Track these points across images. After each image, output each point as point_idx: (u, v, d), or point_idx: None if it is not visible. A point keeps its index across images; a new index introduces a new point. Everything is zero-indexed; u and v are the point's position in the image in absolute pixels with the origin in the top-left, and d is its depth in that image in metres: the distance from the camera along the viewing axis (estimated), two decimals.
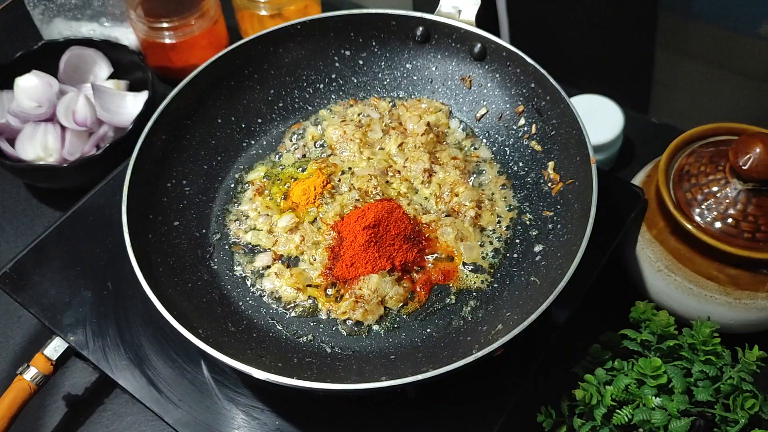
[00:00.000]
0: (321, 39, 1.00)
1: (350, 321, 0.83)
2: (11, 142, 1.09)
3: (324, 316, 0.84)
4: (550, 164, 0.92)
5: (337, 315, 0.83)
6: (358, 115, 0.99)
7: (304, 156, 0.98)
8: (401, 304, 0.84)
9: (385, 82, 1.02)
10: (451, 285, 0.86)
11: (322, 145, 0.99)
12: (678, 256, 0.87)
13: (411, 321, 0.84)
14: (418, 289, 0.85)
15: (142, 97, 1.13)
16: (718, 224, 0.84)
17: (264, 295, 0.86)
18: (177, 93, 0.92)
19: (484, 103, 0.99)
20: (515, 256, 0.88)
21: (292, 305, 0.85)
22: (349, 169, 0.95)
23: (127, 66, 1.18)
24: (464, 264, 0.87)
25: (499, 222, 0.90)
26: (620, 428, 0.76)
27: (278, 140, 1.00)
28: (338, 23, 0.99)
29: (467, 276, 0.86)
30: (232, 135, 0.98)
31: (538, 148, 0.94)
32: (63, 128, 1.09)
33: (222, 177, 0.96)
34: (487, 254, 0.88)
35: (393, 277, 0.85)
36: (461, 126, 0.99)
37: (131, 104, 1.12)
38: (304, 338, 0.83)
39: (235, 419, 0.81)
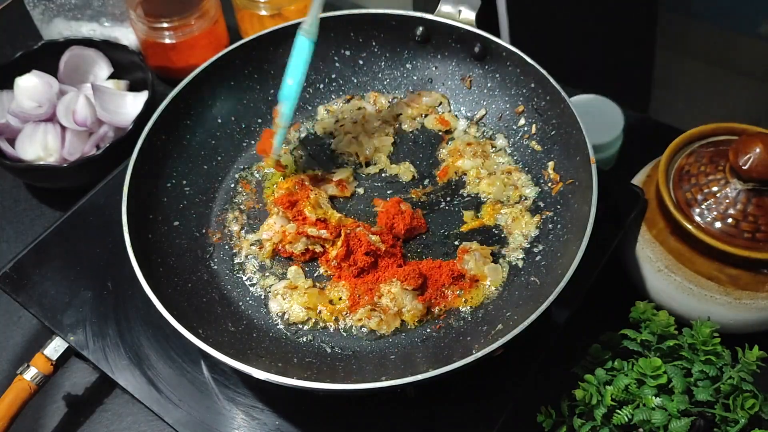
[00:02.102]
0: (321, 39, 1.00)
1: (365, 329, 0.83)
2: (11, 142, 1.09)
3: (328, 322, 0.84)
4: (550, 164, 0.92)
5: (353, 322, 0.83)
6: (357, 109, 1.00)
7: (303, 157, 0.98)
8: (418, 319, 0.83)
9: (385, 82, 1.02)
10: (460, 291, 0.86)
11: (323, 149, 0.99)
12: (678, 256, 0.87)
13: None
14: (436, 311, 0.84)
15: (142, 97, 1.13)
16: (718, 224, 0.84)
17: (263, 298, 0.86)
18: (177, 93, 0.92)
19: (484, 103, 0.99)
20: (515, 255, 0.87)
21: (302, 325, 0.84)
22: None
23: (127, 66, 1.18)
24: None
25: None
26: (620, 428, 0.76)
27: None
28: (338, 23, 0.99)
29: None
30: (232, 135, 0.98)
31: (538, 148, 0.94)
32: (63, 128, 1.09)
33: (222, 177, 0.96)
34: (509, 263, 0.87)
35: (417, 293, 0.84)
36: (466, 126, 0.99)
37: (131, 104, 1.12)
38: (304, 338, 0.83)
39: (235, 419, 0.81)
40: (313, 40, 0.89)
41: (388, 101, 1.01)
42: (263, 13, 1.21)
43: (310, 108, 1.02)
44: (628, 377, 0.77)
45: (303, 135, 1.00)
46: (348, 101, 1.02)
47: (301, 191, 0.90)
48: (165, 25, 1.17)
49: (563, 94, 0.88)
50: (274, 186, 0.94)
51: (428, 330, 0.83)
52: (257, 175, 0.96)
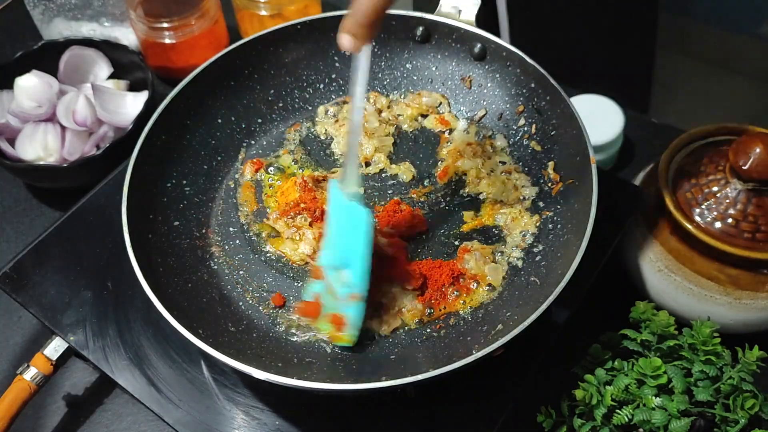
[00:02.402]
0: (321, 39, 1.00)
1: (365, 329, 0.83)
2: (11, 142, 1.09)
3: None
4: (550, 164, 0.92)
5: None
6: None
7: (302, 157, 0.98)
8: (418, 319, 0.83)
9: (385, 82, 1.02)
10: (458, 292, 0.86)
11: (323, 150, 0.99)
12: (678, 256, 0.87)
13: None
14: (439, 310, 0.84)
15: (142, 97, 1.13)
16: (718, 224, 0.84)
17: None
18: (177, 93, 0.92)
19: (484, 103, 0.99)
20: (515, 255, 0.87)
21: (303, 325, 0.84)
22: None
23: (127, 66, 1.18)
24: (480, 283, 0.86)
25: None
26: (620, 428, 0.76)
27: (278, 140, 1.00)
28: (338, 23, 0.98)
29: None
30: (232, 135, 0.98)
31: (538, 148, 0.94)
32: (63, 128, 1.09)
33: (222, 177, 0.96)
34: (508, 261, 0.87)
35: (417, 293, 0.84)
36: (466, 126, 0.99)
37: (131, 104, 1.12)
38: (305, 338, 0.83)
39: (235, 419, 0.81)
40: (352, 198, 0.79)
41: (388, 101, 1.01)
42: (263, 13, 1.21)
43: (310, 108, 1.02)
44: (628, 377, 0.77)
45: (303, 135, 1.00)
46: (348, 102, 1.01)
47: (304, 193, 0.90)
48: (165, 25, 1.17)
49: (563, 94, 0.88)
50: (277, 183, 0.94)
51: (428, 330, 0.83)
52: (257, 176, 0.96)
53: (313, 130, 1.01)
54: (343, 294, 0.79)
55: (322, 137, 1.00)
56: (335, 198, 0.81)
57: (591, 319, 0.89)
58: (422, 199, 0.93)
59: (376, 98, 1.01)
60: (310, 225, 0.88)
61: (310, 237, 0.87)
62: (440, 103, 1.00)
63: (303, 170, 0.96)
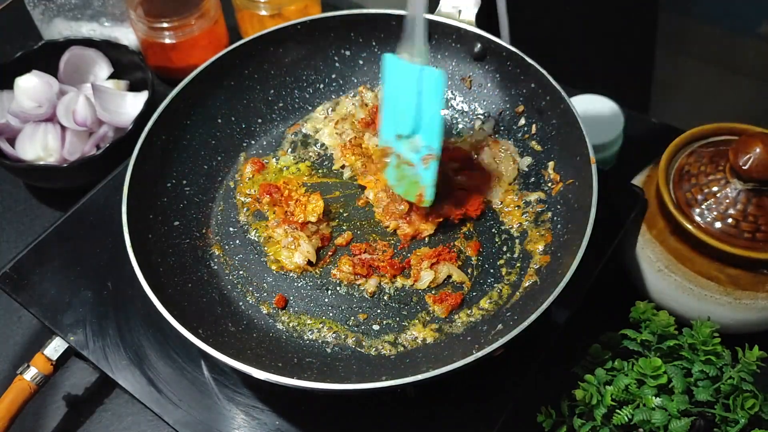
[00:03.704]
0: (321, 39, 1.00)
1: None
2: (11, 142, 1.09)
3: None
4: (550, 164, 0.92)
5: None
6: (352, 105, 1.00)
7: (303, 157, 0.98)
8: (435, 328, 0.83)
9: None
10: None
11: (323, 153, 0.99)
12: (678, 256, 0.87)
13: None
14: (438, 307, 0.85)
15: (142, 97, 1.13)
16: (718, 224, 0.84)
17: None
18: (177, 93, 0.92)
19: (484, 103, 0.99)
20: (515, 255, 0.87)
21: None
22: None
23: (127, 66, 1.18)
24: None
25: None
26: (620, 428, 0.76)
27: (278, 140, 1.00)
28: (338, 23, 0.99)
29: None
30: (232, 135, 0.98)
31: (538, 148, 0.94)
32: (63, 128, 1.09)
33: (222, 177, 0.96)
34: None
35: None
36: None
37: (131, 104, 1.12)
38: (305, 338, 0.83)
39: (235, 419, 0.81)
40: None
41: (375, 93, 1.01)
42: (263, 13, 1.21)
43: (310, 108, 1.02)
44: (628, 377, 0.77)
45: (303, 135, 1.00)
46: (337, 105, 1.02)
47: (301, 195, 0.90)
48: (165, 25, 1.17)
49: (563, 94, 0.88)
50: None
51: (429, 330, 0.83)
52: (257, 175, 0.96)
53: (310, 130, 1.00)
54: (418, 159, 0.84)
55: (311, 133, 1.00)
56: (396, 68, 0.85)
57: (591, 319, 0.89)
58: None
59: (363, 92, 1.01)
60: (309, 237, 0.88)
61: (306, 248, 0.87)
62: None
63: (301, 170, 0.96)
